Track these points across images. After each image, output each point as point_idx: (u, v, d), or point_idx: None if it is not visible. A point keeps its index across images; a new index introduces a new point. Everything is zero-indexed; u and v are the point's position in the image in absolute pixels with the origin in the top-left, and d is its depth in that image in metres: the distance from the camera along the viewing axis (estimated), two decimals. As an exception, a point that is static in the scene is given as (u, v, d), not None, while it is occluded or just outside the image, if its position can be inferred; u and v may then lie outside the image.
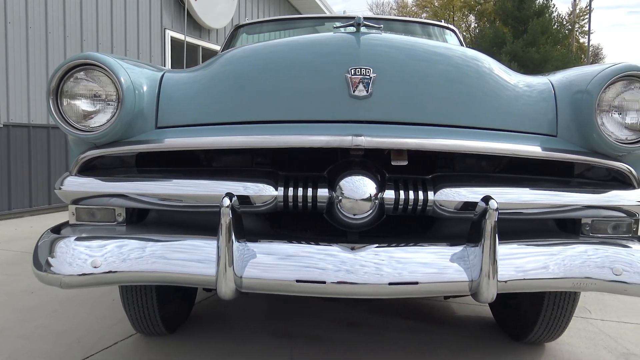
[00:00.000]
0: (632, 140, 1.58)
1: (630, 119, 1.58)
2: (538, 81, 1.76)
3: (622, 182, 1.65)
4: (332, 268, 1.45)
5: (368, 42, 1.62)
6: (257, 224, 1.68)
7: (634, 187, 1.63)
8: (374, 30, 1.73)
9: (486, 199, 1.45)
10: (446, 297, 2.43)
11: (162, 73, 1.75)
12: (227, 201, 1.41)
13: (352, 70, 1.55)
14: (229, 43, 3.44)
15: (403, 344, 2.22)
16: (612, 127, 1.58)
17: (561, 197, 1.58)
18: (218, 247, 1.42)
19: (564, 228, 1.74)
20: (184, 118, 1.64)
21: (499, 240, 1.44)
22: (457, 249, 1.51)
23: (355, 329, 2.38)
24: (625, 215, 1.63)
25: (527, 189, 1.59)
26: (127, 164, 1.73)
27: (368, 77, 1.55)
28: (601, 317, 2.65)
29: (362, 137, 1.49)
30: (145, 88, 1.65)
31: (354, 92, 1.55)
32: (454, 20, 36.56)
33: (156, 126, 1.65)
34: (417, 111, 1.59)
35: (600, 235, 1.67)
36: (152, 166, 1.75)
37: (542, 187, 1.61)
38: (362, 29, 1.69)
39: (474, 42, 26.84)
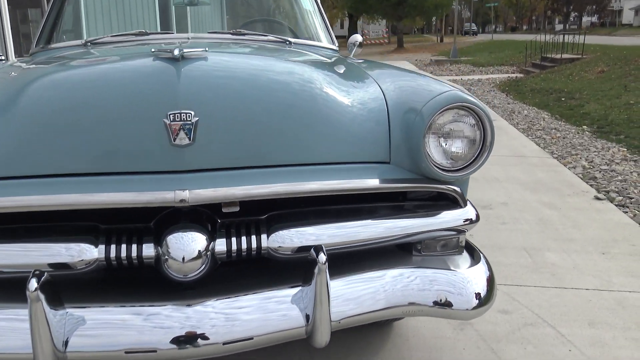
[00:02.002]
0: (457, 168, 1.63)
1: (456, 148, 1.61)
2: (371, 95, 1.73)
3: (452, 201, 1.72)
4: (163, 333, 1.39)
5: (188, 79, 1.48)
6: (82, 284, 1.55)
7: (461, 207, 1.71)
8: (197, 55, 1.57)
9: (317, 249, 1.44)
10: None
11: None
12: (34, 284, 1.27)
13: (171, 116, 1.42)
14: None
15: None
16: (438, 156, 1.61)
17: (394, 226, 1.62)
18: (30, 323, 1.30)
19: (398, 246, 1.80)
20: None
21: (330, 278, 1.46)
22: (293, 291, 1.51)
23: None
24: (455, 233, 1.72)
25: (363, 221, 1.60)
26: None
27: (190, 122, 1.43)
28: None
29: (187, 192, 1.39)
30: None
31: (174, 140, 1.42)
32: None
33: None
34: (246, 154, 1.51)
35: (430, 254, 1.75)
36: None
37: (378, 216, 1.63)
38: (187, 50, 1.53)
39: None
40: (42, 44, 2.77)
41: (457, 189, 1.68)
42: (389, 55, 29.24)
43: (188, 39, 2.56)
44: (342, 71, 2.00)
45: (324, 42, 2.98)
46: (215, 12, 3.24)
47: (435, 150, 1.60)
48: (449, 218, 1.67)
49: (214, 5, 3.27)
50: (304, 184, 1.51)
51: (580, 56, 15.39)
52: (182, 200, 1.39)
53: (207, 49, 1.61)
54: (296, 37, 3.13)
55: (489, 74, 16.78)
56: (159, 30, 3.16)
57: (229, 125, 1.48)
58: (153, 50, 1.59)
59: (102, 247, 1.44)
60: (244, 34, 2.72)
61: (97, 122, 1.46)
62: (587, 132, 6.95)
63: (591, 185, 4.58)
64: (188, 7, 3.06)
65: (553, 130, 7.12)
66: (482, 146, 1.61)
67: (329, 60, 2.26)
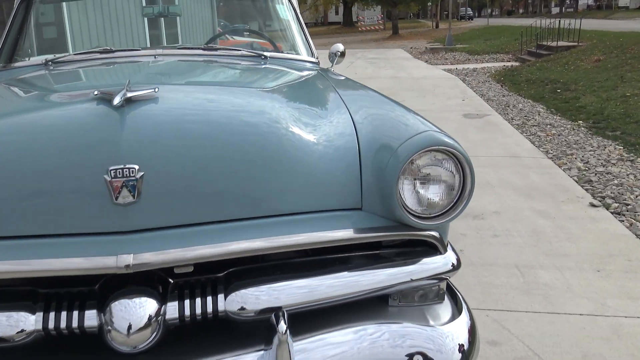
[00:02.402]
0: (433, 215, 1.49)
1: (432, 194, 1.47)
2: (343, 130, 1.58)
3: (430, 247, 1.58)
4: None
5: (132, 129, 1.33)
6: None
7: (441, 253, 1.57)
8: (144, 97, 1.42)
9: (277, 316, 1.30)
10: None
11: None
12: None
13: (112, 172, 1.27)
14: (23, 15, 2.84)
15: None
16: (413, 203, 1.47)
17: (367, 280, 1.48)
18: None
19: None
20: None
21: (295, 337, 1.35)
22: (256, 355, 1.37)
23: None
24: (435, 281, 1.58)
25: (333, 274, 1.46)
26: None
27: (133, 178, 1.28)
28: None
29: (130, 256, 1.25)
30: None
31: (116, 199, 1.27)
32: None
33: None
34: (199, 210, 1.36)
35: (408, 304, 1.61)
36: None
37: (351, 267, 1.49)
38: (132, 93, 1.38)
39: None
40: (3, 63, 2.61)
41: (436, 234, 1.54)
42: (384, 43, 28.96)
43: (155, 56, 2.40)
44: (312, 100, 1.85)
45: (303, 54, 2.82)
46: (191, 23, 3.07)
47: (409, 196, 1.46)
48: (427, 267, 1.53)
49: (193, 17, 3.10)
50: (265, 240, 1.36)
51: (576, 44, 15.19)
52: (126, 266, 1.25)
53: (156, 88, 1.45)
54: (275, 46, 2.97)
55: (485, 62, 16.58)
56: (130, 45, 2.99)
57: (179, 179, 1.33)
58: (96, 93, 1.43)
59: (40, 315, 1.30)
60: (216, 49, 2.56)
61: (32, 178, 1.30)
62: (582, 128, 6.80)
63: (586, 190, 4.44)
64: (162, 19, 2.89)
65: (548, 127, 6.97)
66: (460, 193, 1.47)
67: (301, 84, 2.10)
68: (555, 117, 7.68)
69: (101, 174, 1.27)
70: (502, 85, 11.33)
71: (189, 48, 2.53)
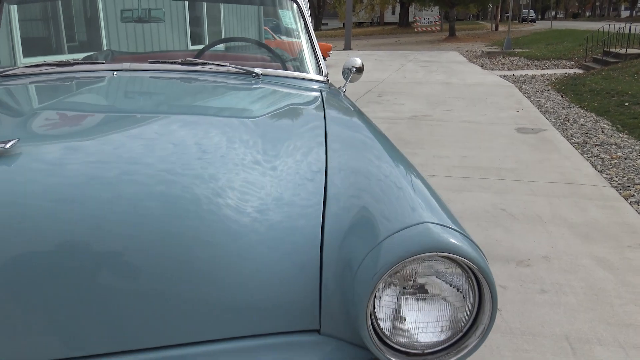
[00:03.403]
0: (430, 351, 0.96)
1: (426, 321, 0.94)
2: (308, 204, 1.08)
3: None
4: None
5: None
6: None
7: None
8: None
9: None
10: None
11: None
12: None
13: None
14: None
15: None
16: (392, 331, 0.95)
17: None
18: None
19: None
20: None
21: None
22: None
23: None
24: None
25: None
26: None
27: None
28: None
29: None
30: None
31: None
32: None
33: None
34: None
35: None
36: None
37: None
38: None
39: None
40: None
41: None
42: (439, 45, 28.07)
43: (114, 72, 1.96)
44: (282, 153, 1.33)
45: (310, 70, 2.32)
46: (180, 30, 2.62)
47: (388, 319, 0.94)
48: None
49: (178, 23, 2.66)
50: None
51: (648, 51, 14.00)
52: None
53: (16, 141, 0.99)
54: (282, 61, 2.48)
55: (545, 69, 15.58)
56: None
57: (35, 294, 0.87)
58: None
59: None
60: (196, 64, 2.10)
61: None
62: (654, 151, 5.99)
63: (658, 232, 3.74)
64: (143, 24, 2.46)
65: (613, 147, 6.19)
66: (472, 325, 0.94)
67: (280, 124, 1.59)
68: (621, 135, 6.86)
69: None
70: (562, 96, 10.46)
71: (162, 62, 2.07)
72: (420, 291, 0.92)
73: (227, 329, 0.95)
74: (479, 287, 0.92)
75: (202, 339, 0.95)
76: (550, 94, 10.82)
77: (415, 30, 43.82)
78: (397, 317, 0.93)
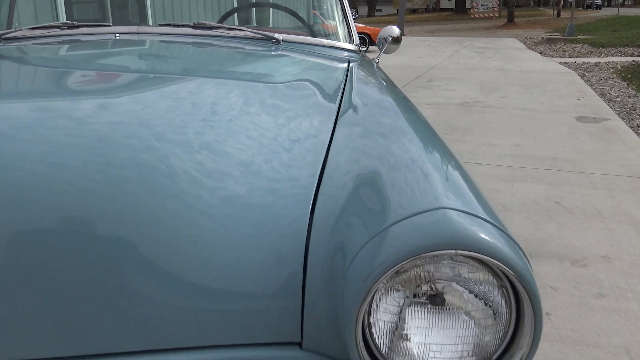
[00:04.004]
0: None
1: (440, 344, 0.69)
2: (297, 199, 0.86)
3: None
4: None
5: None
6: None
7: None
8: None
9: None
10: None
11: None
12: None
13: None
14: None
15: None
16: (393, 352, 0.71)
17: None
18: None
19: None
20: None
21: None
22: None
23: None
24: None
25: None
26: None
27: None
28: None
29: None
30: None
31: None
32: None
33: None
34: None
35: None
36: None
37: None
38: None
39: None
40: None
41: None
42: (497, 31, 27.06)
43: (116, 35, 1.79)
44: (285, 132, 1.11)
45: (340, 38, 2.07)
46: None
47: (386, 337, 0.70)
48: None
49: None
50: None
51: None
52: None
53: None
54: (311, 29, 2.25)
55: (610, 56, 14.66)
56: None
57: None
58: None
59: None
60: (210, 28, 1.89)
61: None
62: None
63: None
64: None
65: (685, 139, 5.64)
66: (507, 348, 0.68)
67: (293, 96, 1.36)
68: (695, 126, 6.27)
69: None
70: (628, 84, 9.75)
71: (175, 25, 1.88)
72: (434, 302, 0.68)
73: (179, 335, 0.74)
74: (517, 301, 0.66)
75: (156, 347, 0.75)
76: (615, 82, 10.12)
77: (472, 16, 42.55)
78: (400, 334, 0.68)
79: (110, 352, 0.75)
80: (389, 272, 0.63)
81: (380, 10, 62.50)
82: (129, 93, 1.22)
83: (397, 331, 0.69)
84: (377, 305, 0.68)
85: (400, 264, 0.63)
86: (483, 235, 0.65)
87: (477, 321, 0.69)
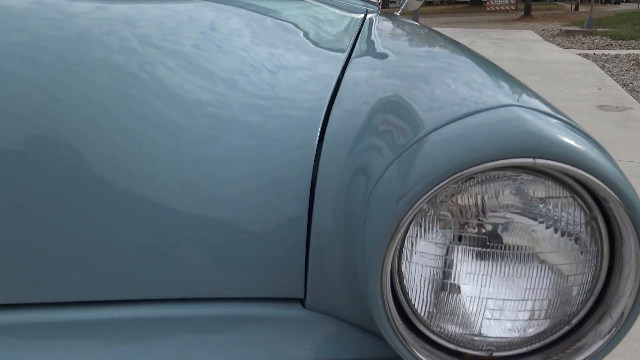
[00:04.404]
0: (503, 355, 0.52)
1: (502, 296, 0.49)
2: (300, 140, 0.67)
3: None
4: None
5: None
6: None
7: None
8: None
9: None
10: None
11: None
12: None
13: None
14: None
15: None
16: (433, 313, 0.51)
17: None
18: None
19: None
20: None
21: None
22: None
23: None
24: None
25: None
26: None
27: None
28: None
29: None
30: None
31: None
32: None
33: None
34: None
35: None
36: None
37: None
38: None
39: None
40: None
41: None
42: (513, 24, 26.66)
43: None
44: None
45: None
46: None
47: (425, 290, 0.50)
48: None
49: None
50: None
51: None
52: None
53: None
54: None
55: (630, 48, 14.30)
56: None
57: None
58: None
59: None
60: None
61: None
62: None
63: None
64: None
65: None
66: (594, 305, 0.48)
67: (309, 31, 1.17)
68: None
69: None
70: (651, 75, 9.46)
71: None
72: (495, 239, 0.47)
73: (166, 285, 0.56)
74: (611, 238, 0.45)
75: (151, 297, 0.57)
76: (637, 72, 9.82)
77: (488, 9, 42.05)
78: (445, 285, 0.48)
79: (91, 300, 0.59)
80: (432, 190, 0.43)
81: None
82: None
83: (441, 281, 0.48)
84: (412, 244, 0.47)
85: (449, 179, 0.43)
86: (568, 141, 0.44)
87: (555, 269, 0.48)
